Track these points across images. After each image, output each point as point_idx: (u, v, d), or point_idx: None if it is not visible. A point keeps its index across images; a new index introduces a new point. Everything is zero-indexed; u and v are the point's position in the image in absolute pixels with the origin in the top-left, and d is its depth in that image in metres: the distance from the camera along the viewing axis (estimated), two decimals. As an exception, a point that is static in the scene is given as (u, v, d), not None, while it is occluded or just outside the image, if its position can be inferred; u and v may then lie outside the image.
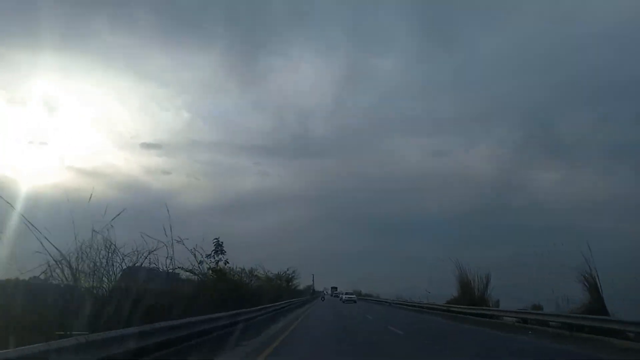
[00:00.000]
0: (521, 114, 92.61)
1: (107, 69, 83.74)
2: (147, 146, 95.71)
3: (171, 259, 9.75)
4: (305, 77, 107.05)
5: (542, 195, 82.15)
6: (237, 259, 17.35)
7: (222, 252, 14.97)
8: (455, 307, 23.32)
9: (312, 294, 77.47)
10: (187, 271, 11.99)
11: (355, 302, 49.97)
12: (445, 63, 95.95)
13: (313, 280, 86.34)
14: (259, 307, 17.49)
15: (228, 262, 15.36)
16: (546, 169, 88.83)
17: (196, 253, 12.39)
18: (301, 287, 58.88)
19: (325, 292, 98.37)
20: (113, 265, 8.06)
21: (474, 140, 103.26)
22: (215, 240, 14.91)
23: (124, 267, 8.35)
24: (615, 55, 70.17)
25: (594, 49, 71.93)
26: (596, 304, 13.83)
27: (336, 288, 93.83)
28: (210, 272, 13.93)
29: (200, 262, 12.91)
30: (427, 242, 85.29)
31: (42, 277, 7.24)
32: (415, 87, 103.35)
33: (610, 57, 70.17)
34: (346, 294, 56.77)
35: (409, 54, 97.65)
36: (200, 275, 12.90)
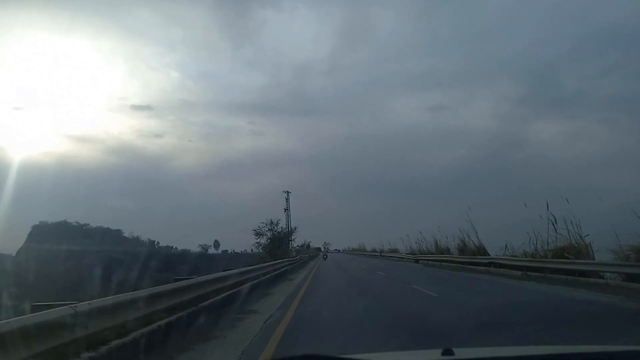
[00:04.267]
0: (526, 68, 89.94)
1: (91, 26, 79.66)
2: (137, 108, 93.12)
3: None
4: (301, 32, 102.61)
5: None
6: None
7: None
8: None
9: (298, 252, 49.30)
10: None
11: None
12: (449, 17, 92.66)
13: (288, 224, 49.20)
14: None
15: None
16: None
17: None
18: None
19: (326, 248, 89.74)
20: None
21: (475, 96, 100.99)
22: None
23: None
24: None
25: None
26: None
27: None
28: None
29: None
30: (428, 201, 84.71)
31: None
32: (417, 42, 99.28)
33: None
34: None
35: (411, 7, 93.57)
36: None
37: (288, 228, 45.27)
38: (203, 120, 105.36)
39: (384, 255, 51.88)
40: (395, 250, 47.93)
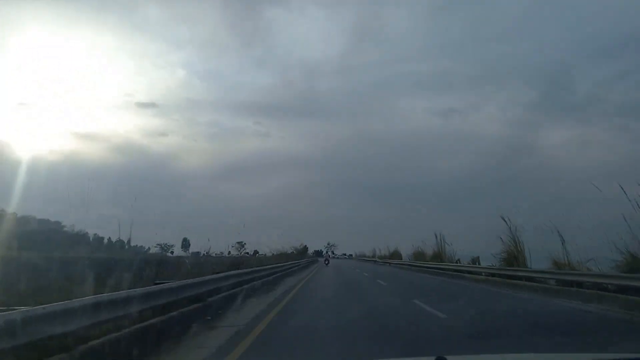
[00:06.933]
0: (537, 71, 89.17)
1: (98, 23, 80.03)
2: (143, 105, 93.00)
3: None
4: (311, 31, 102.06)
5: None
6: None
7: None
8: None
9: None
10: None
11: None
12: (461, 18, 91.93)
13: None
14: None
15: None
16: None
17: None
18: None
19: (329, 252, 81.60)
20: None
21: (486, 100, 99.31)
22: None
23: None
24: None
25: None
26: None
27: None
28: None
29: None
30: (433, 207, 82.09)
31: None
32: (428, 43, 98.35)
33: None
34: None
35: (422, 7, 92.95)
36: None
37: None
38: (209, 120, 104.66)
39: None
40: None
